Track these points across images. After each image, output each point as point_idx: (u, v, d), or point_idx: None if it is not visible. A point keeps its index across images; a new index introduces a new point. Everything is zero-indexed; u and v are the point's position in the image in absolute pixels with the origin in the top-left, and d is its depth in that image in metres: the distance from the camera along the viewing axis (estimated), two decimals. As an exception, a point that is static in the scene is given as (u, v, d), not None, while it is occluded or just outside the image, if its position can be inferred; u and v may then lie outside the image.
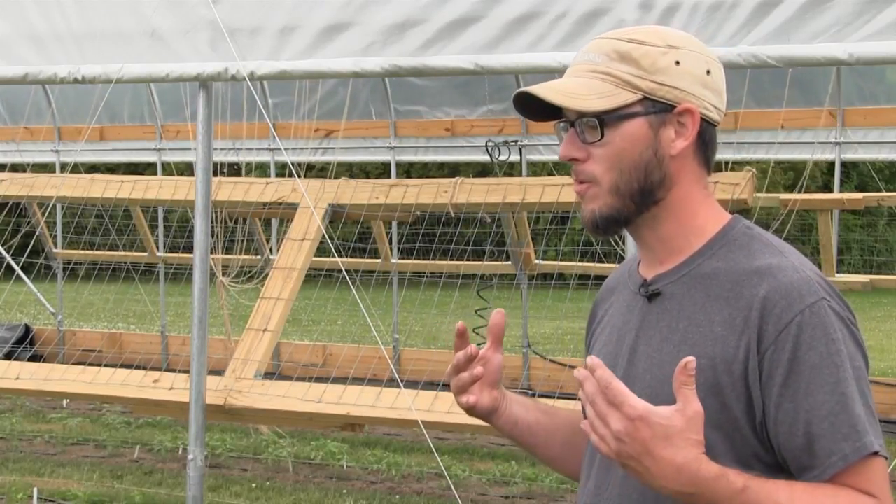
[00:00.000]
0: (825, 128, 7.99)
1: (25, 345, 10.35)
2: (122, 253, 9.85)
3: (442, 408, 4.03)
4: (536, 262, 7.47)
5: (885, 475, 1.40)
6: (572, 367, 7.99)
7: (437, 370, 8.08)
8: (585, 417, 1.39)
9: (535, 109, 1.54)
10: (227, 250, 6.35)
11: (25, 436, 7.40)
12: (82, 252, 9.91)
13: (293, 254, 4.70)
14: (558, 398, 4.00)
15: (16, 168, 9.48)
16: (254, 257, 8.29)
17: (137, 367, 4.94)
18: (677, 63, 1.47)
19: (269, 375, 4.80)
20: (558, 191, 4.61)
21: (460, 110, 8.97)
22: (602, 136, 1.47)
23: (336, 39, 3.76)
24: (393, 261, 8.65)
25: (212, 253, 4.71)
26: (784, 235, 6.42)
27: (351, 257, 9.42)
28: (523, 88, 1.50)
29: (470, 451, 6.99)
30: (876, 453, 1.37)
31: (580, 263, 8.28)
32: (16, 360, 6.48)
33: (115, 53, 4.08)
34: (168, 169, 10.09)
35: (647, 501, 1.46)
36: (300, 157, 8.71)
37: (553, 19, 3.46)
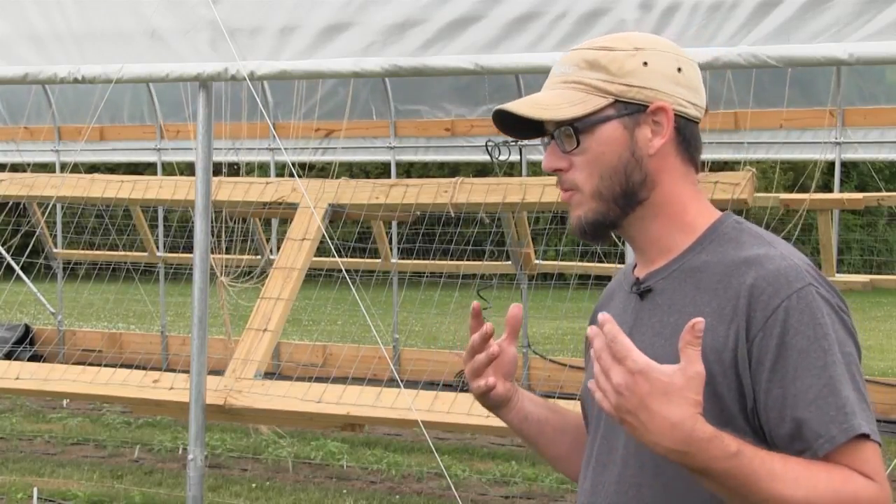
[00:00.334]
0: (825, 128, 8.00)
1: (25, 345, 10.35)
2: (122, 253, 9.85)
3: (442, 408, 4.03)
4: (536, 261, 7.47)
5: (878, 459, 1.39)
6: (572, 367, 8.03)
7: (437, 370, 8.09)
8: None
9: (517, 127, 1.57)
10: (227, 250, 6.34)
11: (25, 436, 7.40)
12: (82, 252, 9.91)
13: (293, 254, 4.70)
14: (558, 398, 4.00)
15: (16, 168, 9.49)
16: (254, 257, 8.29)
17: (137, 367, 4.94)
18: (645, 64, 1.50)
19: (269, 375, 4.80)
20: (558, 191, 4.60)
21: (460, 110, 8.98)
22: (578, 143, 1.50)
23: (336, 39, 3.76)
24: (393, 261, 8.65)
25: (212, 253, 4.72)
26: (784, 235, 6.42)
27: (351, 257, 9.43)
28: (499, 107, 1.54)
29: (470, 451, 6.99)
30: (866, 436, 1.37)
31: (580, 263, 8.27)
32: (16, 359, 6.48)
33: (115, 53, 4.08)
34: (168, 169, 10.09)
35: (643, 499, 1.47)
36: (300, 157, 8.73)
37: (553, 19, 3.46)
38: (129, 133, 10.00)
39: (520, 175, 8.39)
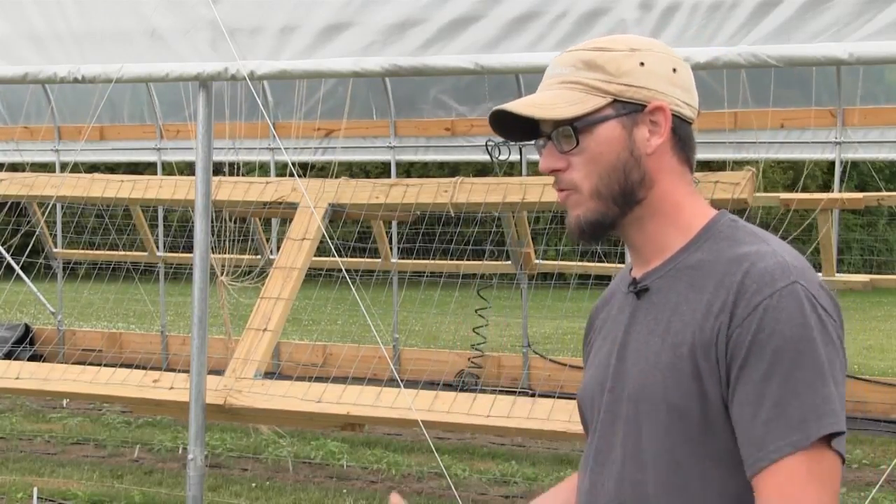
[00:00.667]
0: (825, 127, 8.00)
1: (25, 344, 10.36)
2: (122, 253, 9.85)
3: (442, 407, 4.03)
4: (536, 261, 7.47)
5: (831, 465, 1.36)
6: (572, 366, 8.03)
7: (437, 370, 8.08)
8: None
9: (513, 129, 1.59)
10: (227, 249, 6.34)
11: (25, 436, 7.40)
12: (82, 252, 9.91)
13: (293, 253, 4.70)
14: (558, 398, 4.00)
15: (15, 168, 9.48)
16: (254, 257, 8.29)
17: (137, 367, 4.94)
18: (642, 64, 1.50)
19: (269, 375, 4.80)
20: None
21: (460, 109, 8.98)
22: (577, 142, 1.50)
23: (336, 39, 3.76)
24: (393, 260, 8.65)
25: (212, 252, 4.71)
26: (784, 235, 6.42)
27: (351, 257, 9.43)
28: (497, 107, 1.54)
29: (470, 451, 7.00)
30: (828, 445, 1.34)
31: (580, 263, 8.28)
32: (16, 359, 6.48)
33: (115, 53, 4.08)
34: (168, 168, 10.09)
35: (643, 496, 1.47)
36: (300, 157, 8.73)
37: (553, 19, 3.46)
38: (129, 133, 10.00)
39: (520, 175, 8.38)
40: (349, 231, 11.94)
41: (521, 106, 1.52)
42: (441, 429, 6.53)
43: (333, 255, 5.95)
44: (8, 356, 9.19)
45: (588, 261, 8.62)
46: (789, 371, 1.36)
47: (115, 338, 10.54)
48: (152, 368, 4.95)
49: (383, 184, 5.15)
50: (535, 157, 9.01)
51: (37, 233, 9.18)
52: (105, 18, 4.11)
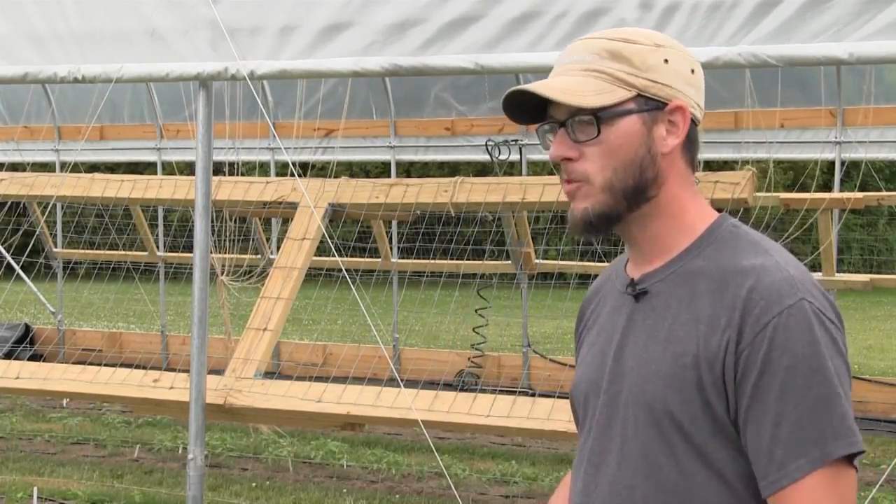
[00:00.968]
0: (825, 127, 8.00)
1: (25, 344, 10.36)
2: (122, 252, 9.84)
3: (442, 407, 4.03)
4: (536, 261, 7.47)
5: (849, 482, 1.37)
6: (573, 366, 8.03)
7: (437, 370, 8.07)
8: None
9: (522, 110, 1.54)
10: (227, 249, 6.34)
11: (25, 435, 7.40)
12: (82, 251, 9.91)
13: (293, 253, 4.70)
14: (558, 398, 4.00)
15: (15, 167, 9.48)
16: (254, 257, 8.29)
17: (137, 367, 4.94)
18: (666, 61, 1.48)
19: (269, 375, 4.80)
20: (558, 190, 4.61)
21: (460, 109, 8.98)
22: (599, 133, 1.46)
23: (336, 39, 3.76)
24: (393, 260, 8.65)
25: (212, 252, 4.71)
26: (783, 235, 6.42)
27: (351, 257, 9.42)
28: (518, 87, 1.50)
29: (470, 451, 7.00)
30: (846, 460, 1.36)
31: (580, 263, 8.27)
32: (16, 359, 6.48)
33: (115, 53, 4.08)
34: (168, 168, 10.09)
35: (635, 501, 1.46)
36: (300, 157, 8.73)
37: (553, 19, 3.46)
38: (129, 132, 10.00)
39: (520, 174, 8.39)
40: (349, 231, 11.94)
41: (548, 89, 1.47)
42: (441, 429, 6.53)
43: (333, 255, 5.95)
44: (8, 356, 9.18)
45: (588, 261, 8.63)
46: (803, 389, 1.35)
47: (115, 338, 10.54)
48: (152, 368, 4.95)
49: (383, 183, 5.15)
50: (535, 157, 9.04)
51: (37, 233, 9.18)
52: (105, 18, 4.11)
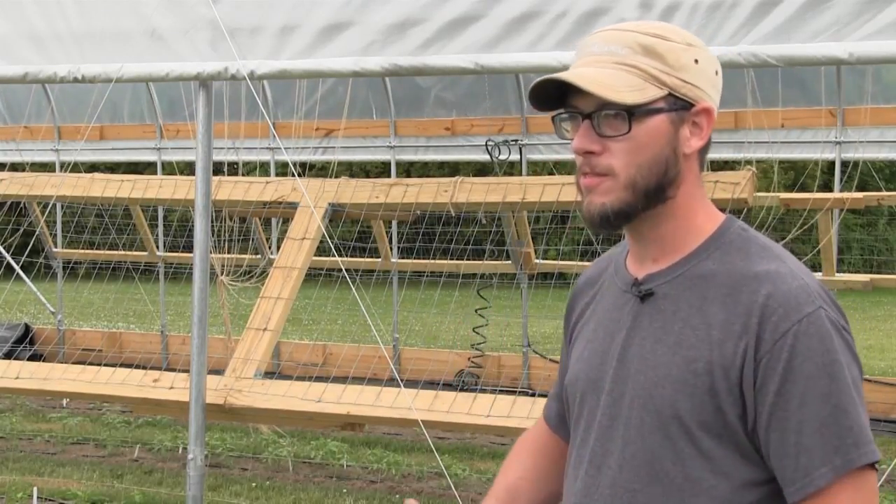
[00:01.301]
0: (825, 127, 7.99)
1: (25, 344, 10.35)
2: (122, 252, 9.84)
3: (442, 407, 4.03)
4: (536, 261, 7.47)
5: (869, 489, 1.39)
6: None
7: (437, 370, 8.06)
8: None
9: (542, 97, 1.51)
10: (228, 249, 6.35)
11: (25, 435, 7.40)
12: (82, 251, 9.91)
13: (293, 253, 4.70)
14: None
15: (15, 167, 9.48)
16: (254, 257, 8.29)
17: (137, 367, 4.94)
18: (696, 61, 1.47)
19: (269, 375, 4.80)
20: (558, 190, 4.61)
21: (460, 109, 8.98)
22: (629, 129, 1.44)
23: (336, 39, 3.76)
24: (393, 260, 8.65)
25: (212, 252, 4.71)
26: (783, 235, 6.41)
27: (351, 257, 9.42)
28: (553, 75, 1.46)
29: (470, 451, 6.99)
30: (868, 465, 1.37)
31: (580, 263, 8.27)
32: (16, 359, 6.48)
33: (115, 53, 4.08)
34: (168, 168, 10.09)
35: (637, 502, 1.46)
36: (300, 157, 8.73)
37: (553, 18, 3.46)
38: (129, 132, 10.00)
39: (520, 174, 8.38)
40: (349, 231, 11.94)
41: (585, 80, 1.44)
42: (441, 429, 6.53)
43: (333, 255, 5.95)
44: (8, 356, 9.18)
45: (588, 261, 8.62)
46: (825, 397, 1.36)
47: (115, 337, 10.54)
48: (152, 368, 4.95)
49: (383, 183, 5.15)
50: (535, 157, 9.03)
51: (37, 232, 9.18)
52: (105, 18, 4.11)
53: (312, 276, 5.86)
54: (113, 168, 13.02)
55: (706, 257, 1.48)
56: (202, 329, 4.07)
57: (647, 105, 1.44)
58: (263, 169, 9.77)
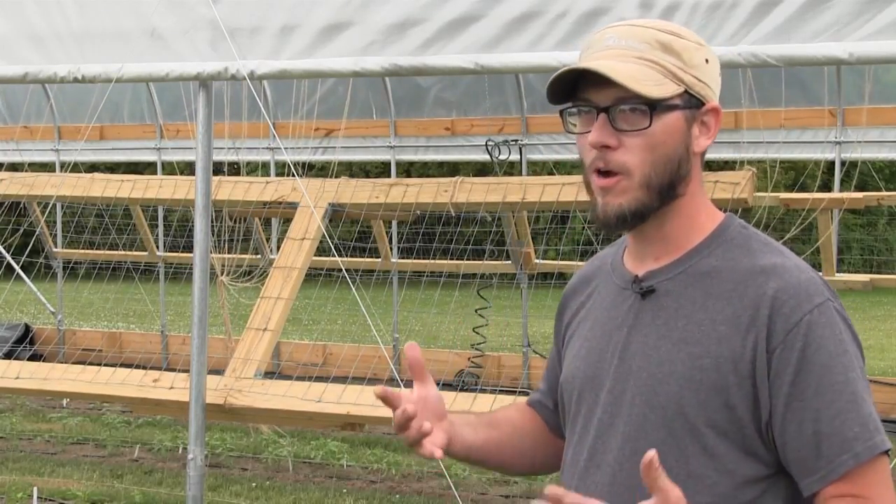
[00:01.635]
0: (825, 127, 7.99)
1: (25, 344, 10.35)
2: (122, 252, 9.84)
3: (442, 407, 4.03)
4: (536, 261, 7.47)
5: (888, 474, 1.41)
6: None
7: (437, 370, 8.04)
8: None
9: (555, 90, 1.51)
10: (228, 249, 6.35)
11: (25, 435, 7.40)
12: (82, 251, 9.91)
13: (293, 253, 4.70)
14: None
15: (15, 167, 9.48)
16: (254, 257, 8.29)
17: (137, 367, 4.94)
18: (707, 61, 1.48)
19: (269, 375, 4.80)
20: (558, 190, 4.61)
21: (460, 109, 8.98)
22: (650, 124, 1.44)
23: (336, 39, 3.76)
24: (393, 260, 8.65)
25: (212, 252, 4.71)
26: (783, 235, 6.41)
27: (351, 257, 9.42)
28: (582, 65, 1.45)
29: (470, 451, 6.98)
30: (884, 452, 1.39)
31: (580, 263, 8.26)
32: (16, 359, 6.48)
33: (115, 53, 4.08)
34: (168, 168, 10.09)
35: (637, 499, 1.46)
36: (300, 157, 8.73)
37: (553, 18, 3.45)
38: (129, 132, 10.00)
39: (520, 174, 8.38)
40: (349, 230, 11.94)
41: (615, 72, 1.43)
42: (441, 428, 6.52)
43: (333, 255, 5.95)
44: (8, 356, 9.18)
45: (588, 261, 8.60)
46: (840, 385, 1.38)
47: (115, 338, 10.54)
48: (152, 368, 4.95)
49: (383, 183, 5.15)
50: (535, 157, 9.03)
51: (37, 232, 9.18)
52: (105, 18, 4.11)
53: (312, 276, 5.86)
54: (113, 168, 13.02)
55: (708, 254, 1.49)
56: (202, 329, 4.07)
57: (668, 101, 1.44)
58: (264, 169, 9.77)
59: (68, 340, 10.14)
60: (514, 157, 8.40)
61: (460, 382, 8.50)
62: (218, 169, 6.10)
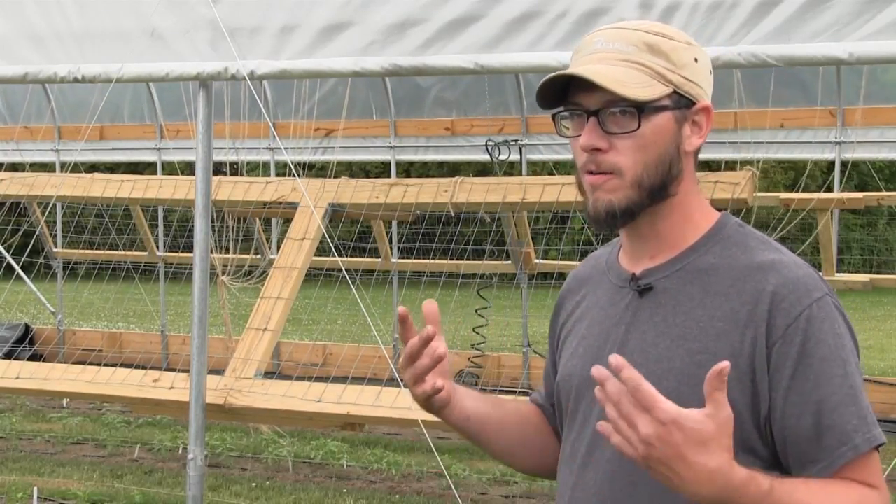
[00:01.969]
0: (825, 127, 8.00)
1: (25, 344, 10.35)
2: (122, 252, 9.84)
3: (442, 407, 4.03)
4: (536, 261, 7.47)
5: (880, 466, 1.43)
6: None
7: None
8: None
9: (546, 95, 1.51)
10: (227, 249, 6.35)
11: (25, 435, 7.40)
12: (82, 251, 9.91)
13: (293, 253, 4.70)
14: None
15: (15, 167, 9.48)
16: (254, 257, 8.29)
17: (137, 367, 4.94)
18: (696, 60, 1.49)
19: (269, 375, 4.80)
20: (558, 190, 4.61)
21: (460, 109, 8.98)
22: (639, 126, 1.45)
23: (336, 39, 3.76)
24: (393, 260, 8.65)
25: (212, 252, 4.71)
26: (784, 235, 6.41)
27: (351, 257, 9.42)
28: (567, 71, 1.47)
29: (470, 451, 6.99)
30: (879, 446, 1.41)
31: (580, 263, 8.26)
32: (16, 359, 6.48)
33: (115, 53, 4.08)
34: (168, 168, 10.09)
35: (637, 496, 1.47)
36: (300, 157, 8.73)
37: (553, 18, 3.46)
38: (129, 132, 10.00)
39: (520, 174, 8.38)
40: (349, 231, 11.94)
41: (601, 76, 1.44)
42: (441, 429, 6.52)
43: (333, 255, 5.95)
44: (8, 356, 9.18)
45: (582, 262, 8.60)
46: (839, 379, 1.39)
47: (115, 338, 10.54)
48: (152, 368, 4.95)
49: (383, 183, 5.15)
50: (535, 157, 9.03)
51: (37, 233, 9.18)
52: (105, 18, 4.11)
53: (312, 276, 5.86)
54: (113, 168, 13.03)
55: (705, 252, 1.50)
56: (202, 329, 4.07)
57: (656, 102, 1.45)
58: (264, 169, 9.77)
59: (68, 340, 10.14)
60: (514, 157, 8.40)
61: (460, 382, 8.49)
62: (218, 169, 6.10)
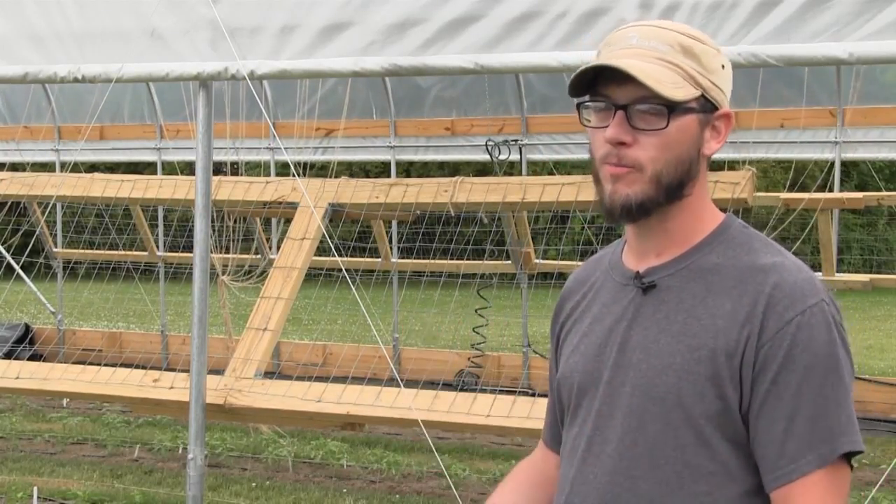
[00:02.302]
0: (825, 127, 7.99)
1: (25, 344, 10.35)
2: (122, 252, 9.85)
3: (442, 407, 4.03)
4: (536, 261, 7.47)
5: (847, 478, 1.42)
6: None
7: (437, 370, 8.05)
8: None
9: (575, 83, 1.52)
10: (227, 249, 6.35)
11: (25, 435, 7.40)
12: (82, 251, 9.91)
13: (293, 253, 4.70)
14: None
15: (15, 167, 9.48)
16: (254, 257, 8.29)
17: (137, 367, 4.94)
18: (723, 67, 1.51)
19: (269, 375, 4.80)
20: (558, 190, 4.61)
21: (460, 109, 8.98)
22: (668, 125, 1.46)
23: (336, 39, 3.76)
24: (393, 260, 8.65)
25: (212, 252, 4.71)
26: (784, 235, 6.41)
27: (351, 256, 9.42)
28: (606, 62, 1.47)
29: (470, 451, 6.99)
30: (846, 457, 1.40)
31: (580, 263, 8.26)
32: (16, 359, 6.48)
33: (115, 53, 4.08)
34: (168, 168, 10.09)
35: (638, 491, 1.47)
36: (300, 157, 8.73)
37: (553, 18, 3.46)
38: (129, 132, 10.00)
39: (520, 174, 8.38)
40: (349, 231, 11.94)
41: (637, 70, 1.45)
42: (441, 429, 6.53)
43: (333, 255, 5.95)
44: (8, 356, 9.18)
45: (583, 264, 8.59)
46: (820, 388, 1.40)
47: (115, 337, 10.54)
48: (152, 368, 4.95)
49: (383, 183, 5.15)
50: (535, 157, 9.03)
51: (37, 232, 9.18)
52: (105, 18, 4.11)
53: (312, 276, 5.86)
54: (113, 168, 13.03)
55: (709, 251, 1.51)
56: (202, 329, 4.07)
57: (686, 103, 1.47)
58: (264, 169, 9.77)
59: (68, 340, 10.14)
60: (514, 157, 8.40)
61: (460, 382, 8.50)
62: (218, 169, 6.11)
